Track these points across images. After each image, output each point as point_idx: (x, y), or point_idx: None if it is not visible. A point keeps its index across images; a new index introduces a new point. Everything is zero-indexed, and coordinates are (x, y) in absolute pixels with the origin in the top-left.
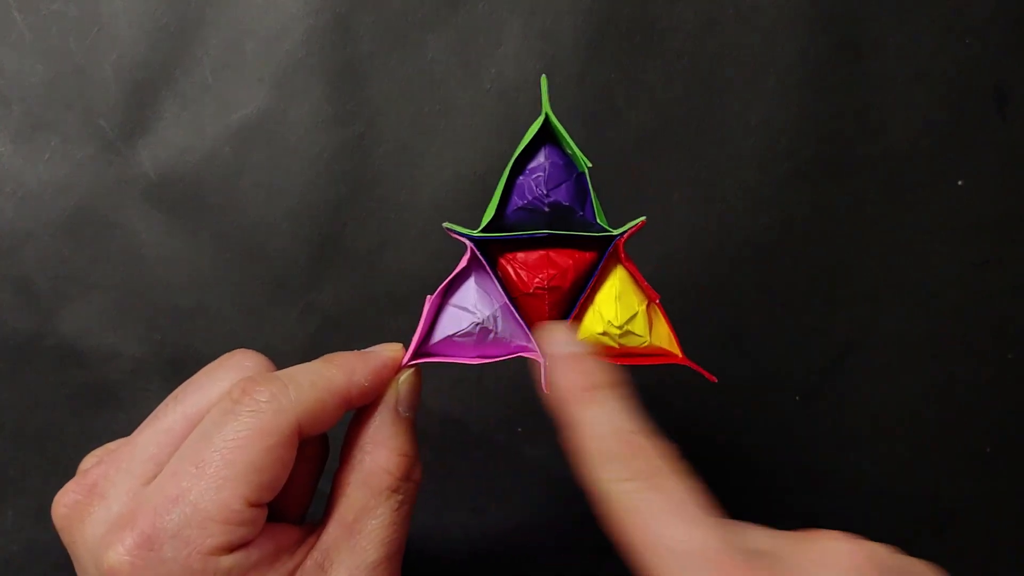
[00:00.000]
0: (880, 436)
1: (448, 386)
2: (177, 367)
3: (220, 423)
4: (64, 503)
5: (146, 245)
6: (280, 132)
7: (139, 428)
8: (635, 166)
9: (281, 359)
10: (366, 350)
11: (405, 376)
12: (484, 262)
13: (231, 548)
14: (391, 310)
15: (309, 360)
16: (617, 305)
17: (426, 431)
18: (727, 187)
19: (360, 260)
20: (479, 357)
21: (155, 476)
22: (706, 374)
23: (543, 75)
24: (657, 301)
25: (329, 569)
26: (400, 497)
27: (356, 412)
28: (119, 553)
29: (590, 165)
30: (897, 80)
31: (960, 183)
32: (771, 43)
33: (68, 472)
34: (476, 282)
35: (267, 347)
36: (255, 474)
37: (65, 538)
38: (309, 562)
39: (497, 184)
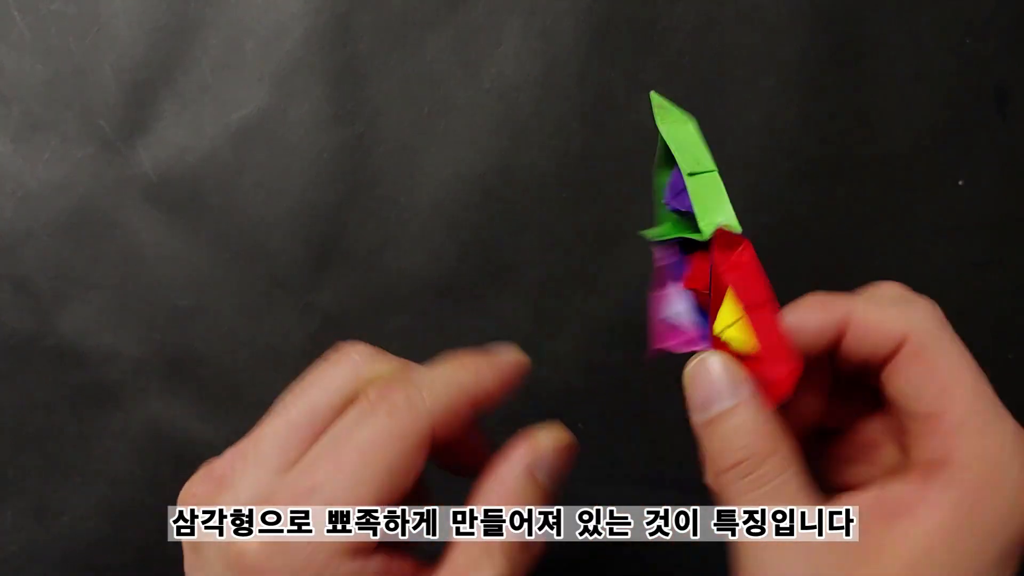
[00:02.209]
0: None
1: None
2: (177, 367)
3: (359, 422)
4: (192, 492)
5: (146, 245)
6: (280, 132)
7: (261, 423)
8: (635, 166)
9: (281, 359)
10: (494, 354)
11: (553, 436)
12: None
13: (356, 551)
14: (391, 310)
15: (309, 359)
16: (729, 309)
17: None
18: (727, 187)
19: (360, 260)
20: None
21: (283, 468)
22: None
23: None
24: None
25: None
26: (515, 561)
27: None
28: (250, 537)
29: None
30: (897, 80)
31: (960, 183)
32: (771, 43)
33: (68, 472)
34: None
35: (267, 347)
36: (389, 476)
37: None
38: None
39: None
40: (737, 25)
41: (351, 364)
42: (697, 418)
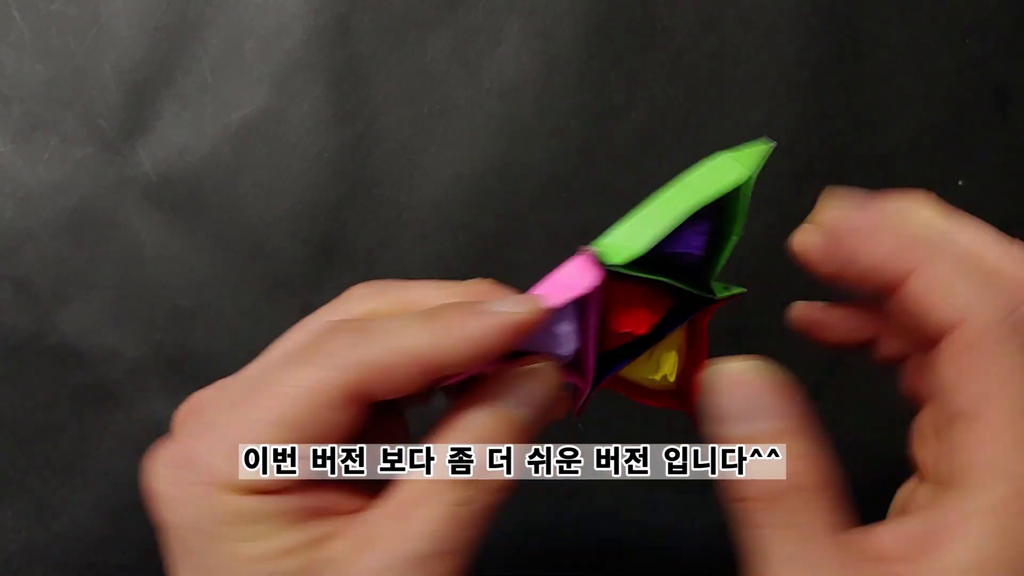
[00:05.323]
0: (880, 437)
1: None
2: (176, 367)
3: (285, 364)
4: (177, 421)
5: (146, 245)
6: (280, 132)
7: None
8: (635, 165)
9: None
10: (488, 305)
11: (542, 369)
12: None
13: (251, 491)
14: None
15: None
16: (676, 359)
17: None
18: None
19: (360, 260)
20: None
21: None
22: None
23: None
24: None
25: (366, 548)
26: (468, 495)
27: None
28: (156, 461)
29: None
30: (897, 80)
31: (960, 183)
32: (771, 43)
33: (68, 472)
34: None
35: (267, 347)
36: (288, 429)
37: None
38: (349, 534)
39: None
40: (737, 25)
41: (349, 304)
42: (720, 430)
